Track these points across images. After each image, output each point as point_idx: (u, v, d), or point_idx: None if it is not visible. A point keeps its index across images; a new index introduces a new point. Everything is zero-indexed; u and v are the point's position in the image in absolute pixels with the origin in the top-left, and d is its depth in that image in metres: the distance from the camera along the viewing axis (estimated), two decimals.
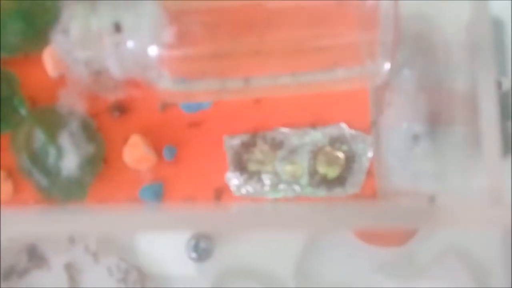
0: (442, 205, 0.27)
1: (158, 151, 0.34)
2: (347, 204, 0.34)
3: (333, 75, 0.31)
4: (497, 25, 0.37)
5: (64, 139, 0.32)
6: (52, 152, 0.32)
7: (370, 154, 0.34)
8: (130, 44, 0.28)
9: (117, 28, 0.27)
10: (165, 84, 0.30)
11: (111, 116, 0.34)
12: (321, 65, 0.31)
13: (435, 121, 0.32)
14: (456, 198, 0.27)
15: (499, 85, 0.36)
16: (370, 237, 0.33)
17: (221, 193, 0.35)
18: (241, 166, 0.34)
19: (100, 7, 0.28)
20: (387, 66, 0.30)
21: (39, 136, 0.32)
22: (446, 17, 0.32)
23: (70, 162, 0.32)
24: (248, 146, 0.35)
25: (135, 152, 0.33)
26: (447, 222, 0.22)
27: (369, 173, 0.35)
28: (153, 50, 0.29)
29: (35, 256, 0.35)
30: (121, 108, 0.34)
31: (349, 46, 0.31)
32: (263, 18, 0.30)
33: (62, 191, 0.32)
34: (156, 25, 0.28)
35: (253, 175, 0.34)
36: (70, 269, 0.35)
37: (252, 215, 0.25)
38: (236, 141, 0.35)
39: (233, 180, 0.35)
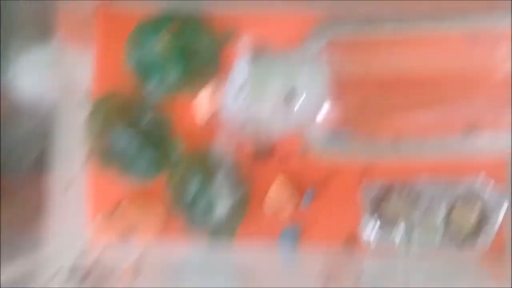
0: None
1: (298, 195, 0.36)
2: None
3: (478, 140, 0.31)
4: None
5: (217, 184, 0.34)
6: (205, 194, 0.34)
7: (505, 208, 0.35)
8: (299, 106, 0.29)
9: (291, 95, 0.29)
10: (319, 142, 0.31)
11: (256, 161, 0.36)
12: (467, 127, 0.32)
13: None
14: None
15: None
16: None
17: (354, 238, 0.36)
18: (377, 214, 0.36)
19: (275, 70, 0.29)
20: None
21: (194, 179, 0.34)
22: None
23: (221, 205, 0.34)
24: (384, 195, 0.36)
25: (279, 196, 0.35)
26: None
27: (501, 228, 0.35)
28: (318, 110, 0.30)
29: None
30: (267, 154, 0.35)
31: (494, 111, 0.31)
32: (417, 79, 0.31)
33: (212, 232, 0.34)
34: (322, 87, 0.30)
35: (389, 223, 0.36)
36: None
37: None
38: (374, 189, 0.36)
39: (368, 226, 0.36)
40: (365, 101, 0.32)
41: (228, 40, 0.34)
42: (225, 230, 0.34)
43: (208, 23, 0.35)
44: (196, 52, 0.34)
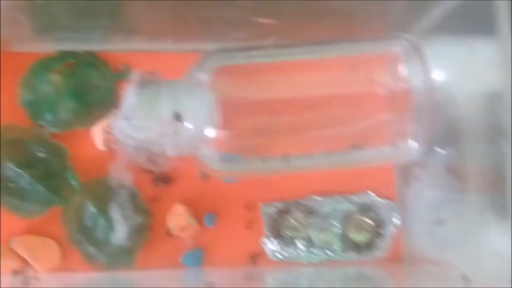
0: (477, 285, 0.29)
1: (199, 217, 0.36)
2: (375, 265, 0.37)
3: (364, 154, 0.33)
4: None
5: (114, 211, 0.34)
6: (102, 223, 0.34)
7: (396, 220, 0.37)
8: (187, 128, 0.30)
9: (178, 117, 0.30)
10: (213, 163, 0.32)
11: (155, 186, 0.36)
12: (353, 144, 0.34)
13: (458, 191, 0.35)
14: (484, 273, 0.30)
15: None
16: None
17: (257, 257, 0.37)
18: (276, 232, 0.37)
19: (162, 96, 0.30)
20: (417, 147, 0.32)
21: (90, 208, 0.34)
22: (468, 93, 0.35)
23: (119, 232, 0.34)
24: (282, 213, 0.37)
25: (178, 221, 0.35)
26: None
27: (396, 239, 0.37)
28: (207, 132, 0.31)
29: None
30: (166, 179, 0.36)
31: (381, 127, 0.34)
32: (303, 102, 0.33)
33: (111, 260, 0.34)
34: (209, 111, 0.31)
35: (288, 241, 0.37)
36: None
37: None
38: (272, 209, 0.37)
39: (269, 245, 0.37)
40: (255, 124, 0.33)
41: (122, 75, 0.35)
42: (124, 257, 0.34)
43: (102, 61, 0.36)
44: (90, 88, 0.35)
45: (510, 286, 0.36)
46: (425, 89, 0.32)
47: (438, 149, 0.33)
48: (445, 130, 0.34)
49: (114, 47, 0.36)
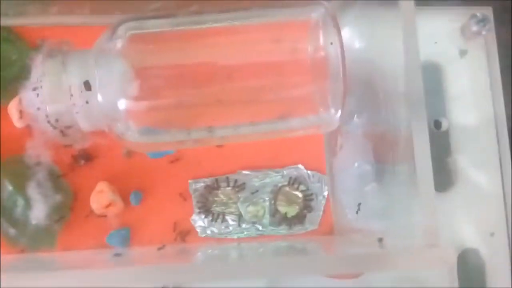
0: (389, 248, 0.29)
1: (124, 196, 0.35)
2: (306, 240, 0.36)
3: (289, 124, 0.33)
4: (436, 69, 0.40)
5: (32, 189, 0.33)
6: (20, 202, 0.33)
7: (326, 193, 0.37)
8: (99, 99, 0.29)
9: (87, 86, 0.29)
10: (132, 135, 0.31)
11: (77, 164, 0.35)
12: (278, 114, 0.33)
13: (381, 161, 0.34)
14: (400, 237, 0.30)
15: (439, 125, 0.39)
16: None
17: (186, 235, 0.36)
18: (205, 209, 0.36)
19: (70, 64, 0.29)
20: (338, 114, 0.32)
21: (7, 187, 0.33)
22: (387, 65, 0.35)
23: (38, 211, 0.33)
24: (212, 189, 0.36)
25: (102, 199, 0.34)
26: (393, 266, 0.25)
27: (326, 211, 0.37)
28: (121, 104, 0.30)
29: None
30: (87, 157, 0.35)
31: (303, 96, 0.33)
32: (224, 71, 0.32)
33: (31, 240, 0.33)
34: (123, 81, 0.30)
35: (218, 217, 0.36)
36: None
37: (216, 267, 0.26)
38: (200, 185, 0.36)
39: (198, 222, 0.36)
40: (176, 94, 0.32)
41: (37, 50, 0.34)
42: (45, 238, 0.33)
43: (17, 35, 0.35)
44: (5, 64, 0.34)
45: (511, 286, 0.37)
46: (341, 56, 0.31)
47: (356, 117, 0.33)
48: (363, 98, 0.33)
49: (30, 21, 0.35)
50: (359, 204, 0.34)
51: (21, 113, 0.33)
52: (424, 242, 0.26)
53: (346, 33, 0.34)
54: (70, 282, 0.25)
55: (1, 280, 0.24)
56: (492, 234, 0.39)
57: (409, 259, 0.26)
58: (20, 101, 0.32)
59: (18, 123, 0.34)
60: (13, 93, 0.34)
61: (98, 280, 0.24)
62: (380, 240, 0.30)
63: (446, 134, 0.40)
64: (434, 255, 0.26)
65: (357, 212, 0.35)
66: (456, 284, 0.38)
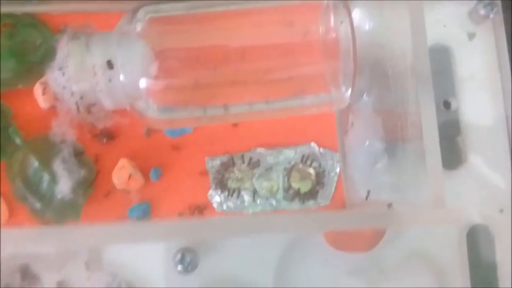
0: (398, 209, 0.31)
1: (144, 173, 0.37)
2: (319, 211, 0.38)
3: (302, 101, 0.34)
4: (445, 52, 0.41)
5: (57, 165, 0.34)
6: (45, 177, 0.35)
7: (338, 169, 0.38)
8: (121, 78, 0.31)
9: (110, 65, 0.30)
10: (152, 113, 0.33)
11: (100, 142, 0.37)
12: (291, 92, 0.34)
13: (391, 139, 0.36)
14: (409, 205, 0.31)
15: (448, 105, 0.40)
16: (340, 244, 0.37)
17: (204, 209, 0.38)
18: (221, 184, 0.38)
19: (93, 45, 0.31)
20: (348, 92, 0.33)
21: (33, 163, 0.35)
22: (395, 45, 0.36)
23: (63, 186, 0.34)
24: (227, 166, 0.38)
25: (123, 175, 0.36)
26: (403, 223, 0.26)
27: (338, 187, 0.38)
28: (142, 83, 0.32)
29: (28, 275, 0.37)
30: (109, 135, 0.37)
31: (315, 75, 0.34)
32: (237, 52, 0.34)
33: (57, 214, 0.35)
34: (144, 61, 0.31)
35: (233, 192, 0.38)
36: (62, 286, 0.37)
37: (234, 224, 0.28)
38: (217, 162, 0.38)
39: (215, 197, 0.38)
40: (193, 74, 0.34)
41: (61, 34, 0.35)
42: (70, 211, 0.35)
43: (41, 21, 0.36)
44: (30, 48, 0.36)
45: (511, 286, 0.38)
46: (351, 36, 0.32)
47: (366, 95, 0.34)
48: (373, 76, 0.35)
49: (52, 8, 0.36)
50: (369, 191, 0.36)
51: (45, 90, 0.34)
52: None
53: (356, 14, 0.35)
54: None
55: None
56: (501, 211, 0.40)
57: (417, 217, 0.27)
58: (45, 83, 0.34)
59: (43, 104, 0.35)
60: (38, 76, 0.35)
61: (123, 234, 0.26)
62: (390, 205, 0.31)
63: (456, 113, 0.41)
64: (441, 214, 0.27)
65: (366, 198, 0.36)
66: (466, 260, 0.39)
